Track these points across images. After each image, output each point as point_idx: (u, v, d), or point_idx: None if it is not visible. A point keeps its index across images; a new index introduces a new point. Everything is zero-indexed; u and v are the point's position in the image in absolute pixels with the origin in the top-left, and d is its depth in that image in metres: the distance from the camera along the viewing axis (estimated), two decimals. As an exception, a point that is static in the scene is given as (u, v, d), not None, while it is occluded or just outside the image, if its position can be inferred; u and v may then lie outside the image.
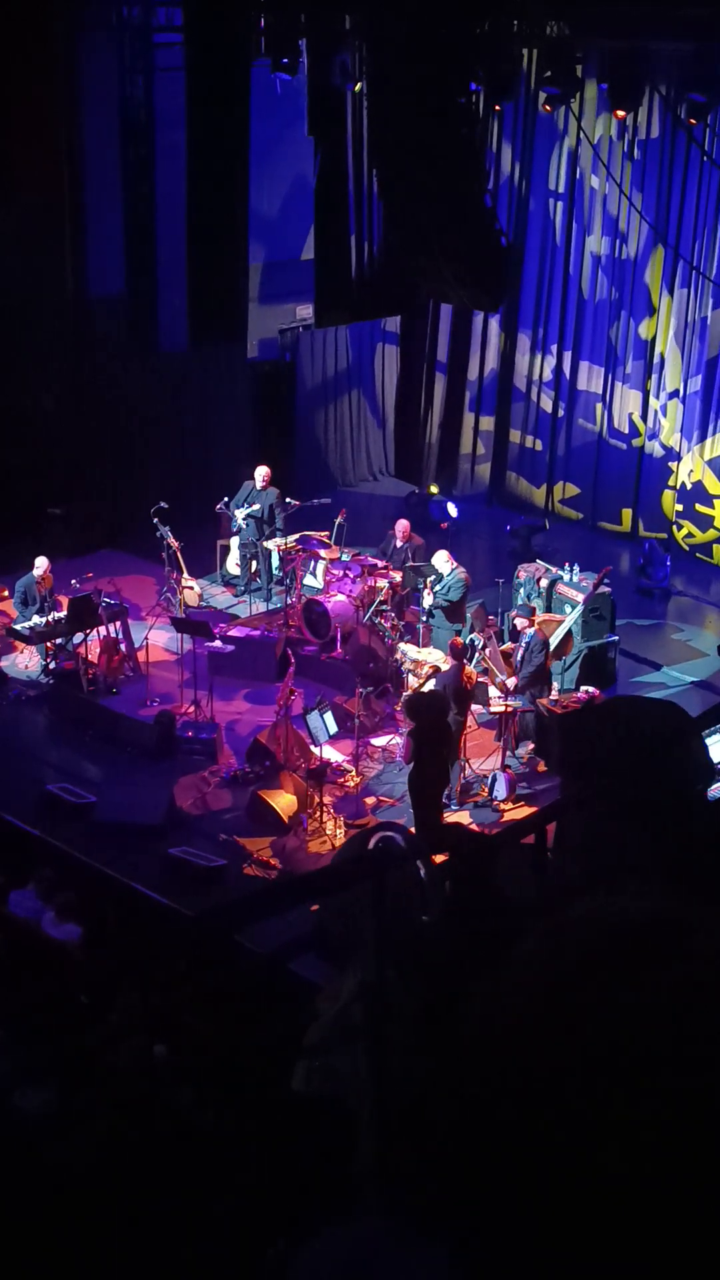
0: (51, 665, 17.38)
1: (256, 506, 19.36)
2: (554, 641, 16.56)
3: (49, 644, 17.40)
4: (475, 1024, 1.24)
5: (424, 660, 16.32)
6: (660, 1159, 1.10)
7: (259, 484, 19.50)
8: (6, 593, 18.25)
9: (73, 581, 17.64)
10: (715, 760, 11.77)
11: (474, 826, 14.13)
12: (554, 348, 22.39)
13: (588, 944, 1.22)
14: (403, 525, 18.81)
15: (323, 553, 18.61)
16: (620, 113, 19.82)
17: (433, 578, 17.32)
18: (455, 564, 17.34)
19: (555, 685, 16.51)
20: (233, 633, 17.66)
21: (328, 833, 14.41)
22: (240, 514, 19.37)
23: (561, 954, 1.23)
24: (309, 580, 18.63)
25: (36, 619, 17.34)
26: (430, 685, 15.33)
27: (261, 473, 19.53)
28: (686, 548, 21.27)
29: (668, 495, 21.51)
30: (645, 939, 1.21)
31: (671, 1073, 1.12)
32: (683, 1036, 1.13)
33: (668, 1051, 1.13)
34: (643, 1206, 1.10)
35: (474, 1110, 1.20)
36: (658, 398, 21.41)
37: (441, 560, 17.38)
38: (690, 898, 1.26)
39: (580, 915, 1.26)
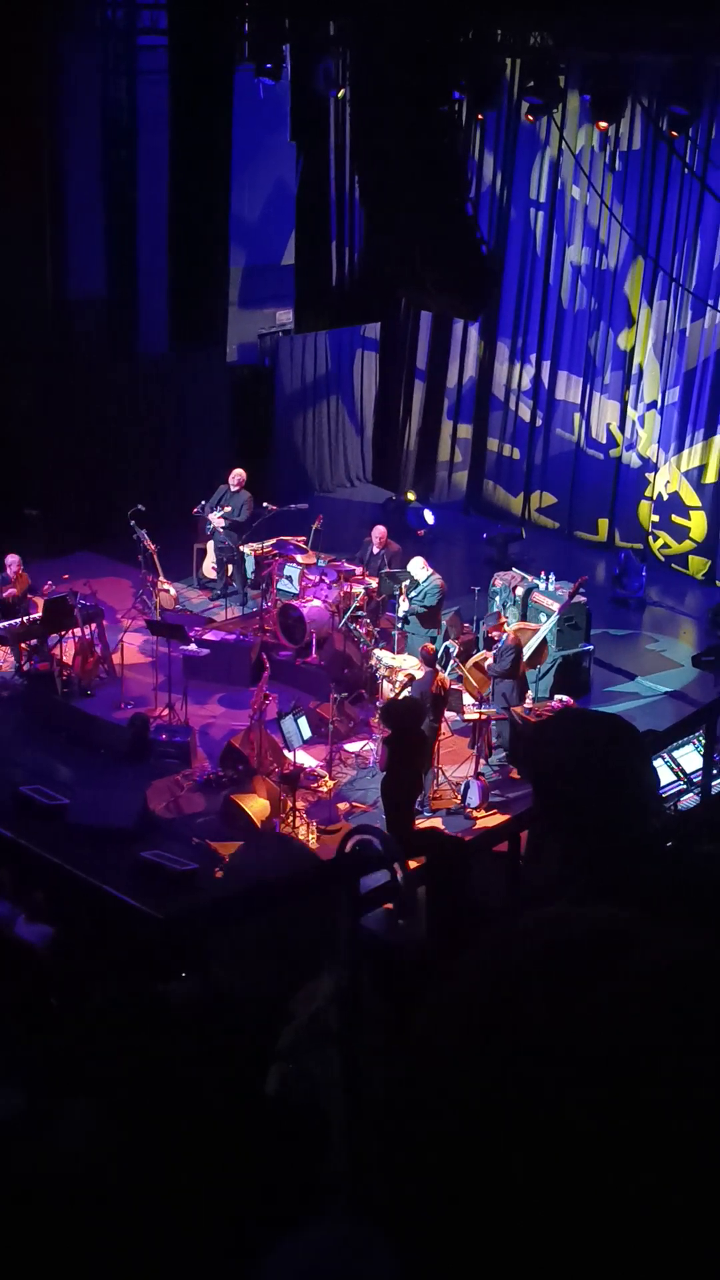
0: (26, 666, 17.34)
1: (229, 509, 19.37)
2: (529, 650, 16.59)
3: (23, 645, 17.36)
4: (418, 1032, 1.25)
5: (399, 667, 16.32)
6: (597, 1169, 1.11)
7: (233, 487, 19.50)
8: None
9: (49, 583, 17.61)
10: (690, 772, 11.81)
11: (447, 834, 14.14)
12: (533, 357, 22.43)
13: (528, 954, 1.23)
14: (379, 532, 18.83)
15: (299, 558, 18.61)
16: (602, 124, 19.88)
17: (408, 584, 17.33)
18: (431, 570, 17.36)
19: (530, 693, 16.54)
20: (208, 636, 17.65)
21: (300, 838, 14.39)
22: (214, 517, 19.37)
23: (501, 964, 1.24)
24: (285, 585, 18.62)
25: (11, 620, 17.28)
26: (407, 693, 15.34)
27: (236, 475, 19.53)
28: (662, 558, 21.33)
29: (644, 506, 21.57)
30: (586, 950, 1.22)
31: (609, 1085, 1.13)
32: (621, 1048, 1.15)
33: (606, 1064, 1.14)
34: (582, 1216, 1.11)
35: (415, 1119, 1.21)
36: (635, 409, 21.47)
37: (417, 567, 17.39)
38: (634, 911, 1.27)
39: (522, 926, 1.27)
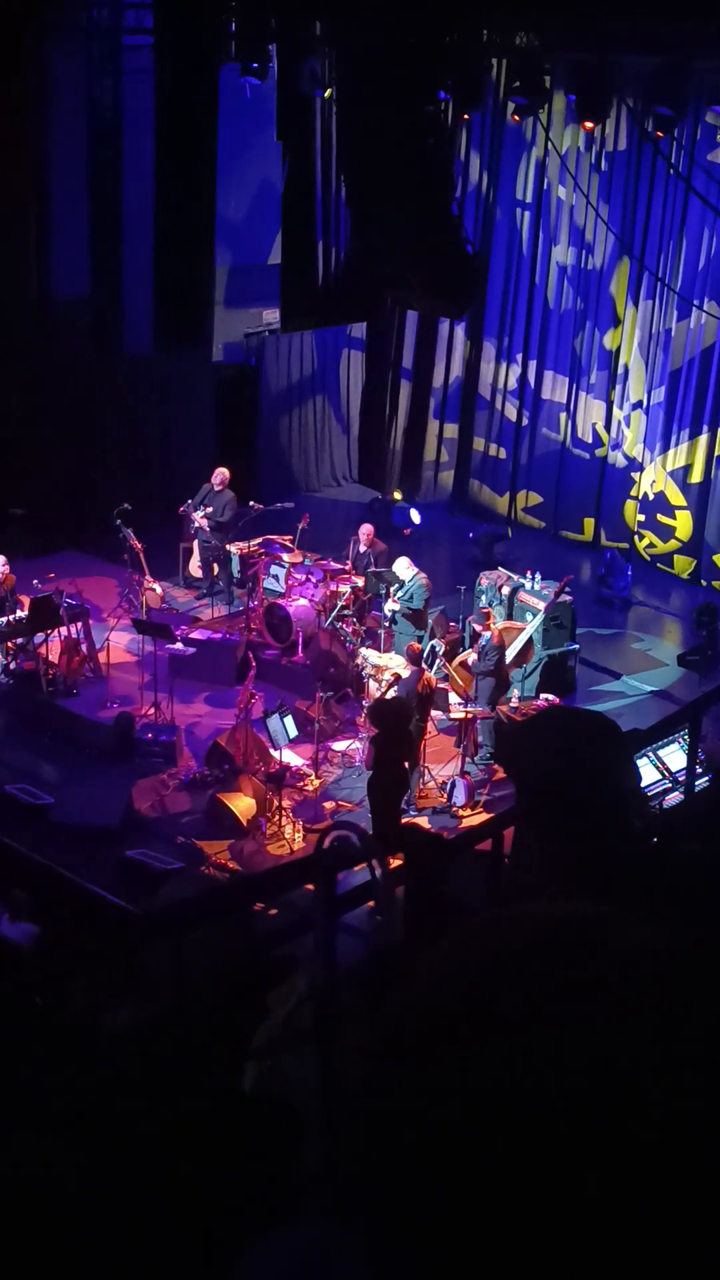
0: (11, 665, 17.32)
1: (212, 509, 19.36)
2: (515, 649, 16.60)
3: (9, 644, 17.33)
4: (388, 1026, 1.25)
5: (385, 666, 16.33)
6: (571, 1163, 1.11)
7: (216, 486, 19.49)
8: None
9: (34, 581, 17.58)
10: (674, 771, 11.84)
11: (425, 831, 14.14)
12: (519, 357, 22.45)
13: (498, 945, 1.23)
14: (366, 530, 18.82)
15: (285, 557, 18.60)
16: (588, 124, 19.90)
17: (395, 585, 17.33)
18: (416, 570, 17.36)
19: (516, 692, 16.55)
20: (194, 635, 17.64)
21: (286, 836, 14.40)
22: (198, 516, 19.36)
23: (471, 955, 1.24)
24: (270, 584, 18.61)
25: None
26: (393, 692, 15.34)
27: (219, 474, 19.52)
28: (647, 558, 21.36)
29: (630, 505, 21.59)
30: (556, 940, 1.22)
31: (582, 1078, 1.13)
32: (594, 1041, 1.14)
33: (576, 1053, 1.14)
34: (558, 1211, 1.11)
35: (385, 1114, 1.21)
36: (621, 408, 21.49)
37: (403, 566, 17.39)
38: (612, 907, 1.26)
39: (495, 919, 1.27)
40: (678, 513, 21.06)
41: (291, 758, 15.48)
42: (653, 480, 21.23)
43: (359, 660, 16.79)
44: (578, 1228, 1.09)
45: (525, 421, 22.65)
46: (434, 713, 15.90)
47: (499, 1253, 1.11)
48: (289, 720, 15.27)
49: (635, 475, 21.46)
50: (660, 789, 12.32)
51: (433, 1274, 1.14)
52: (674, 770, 12.40)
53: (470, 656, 16.33)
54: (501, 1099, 1.13)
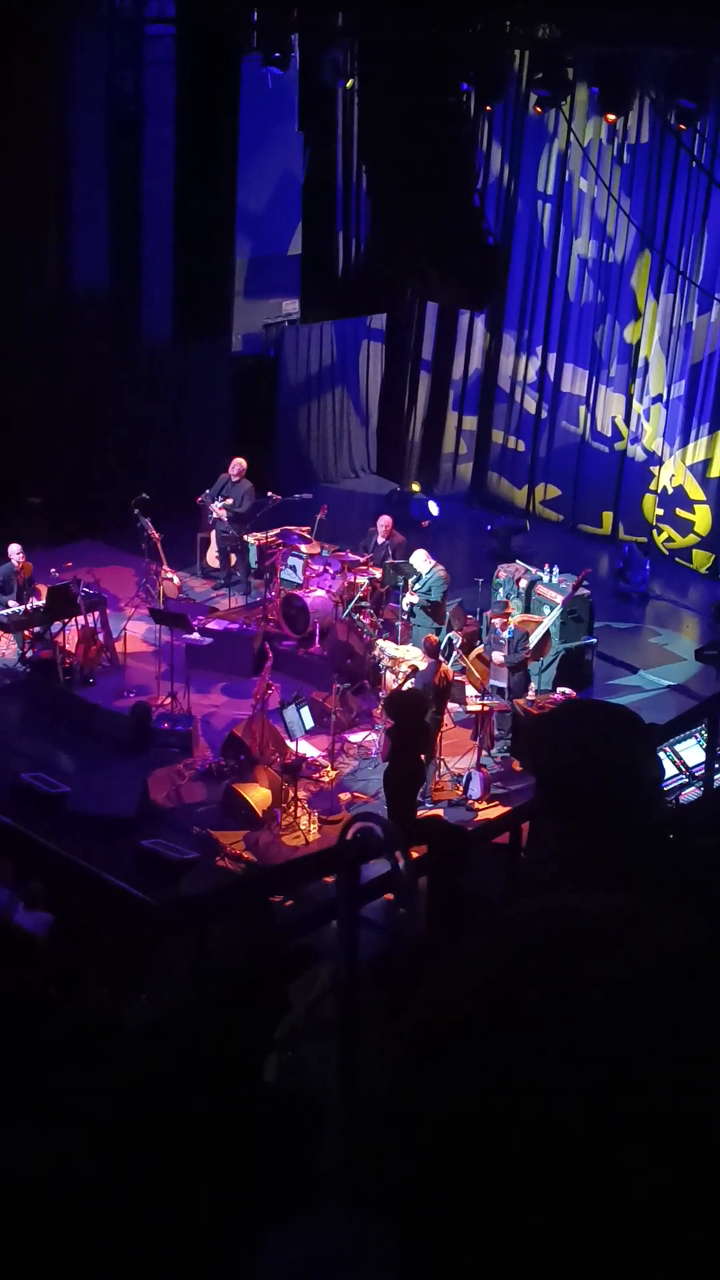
0: (28, 654, 17.35)
1: (230, 500, 19.36)
2: (532, 642, 16.59)
3: (26, 632, 17.36)
4: (416, 1017, 1.25)
5: (402, 657, 16.32)
6: (595, 1153, 1.10)
7: (233, 476, 19.48)
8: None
9: (52, 571, 17.60)
10: (692, 766, 11.81)
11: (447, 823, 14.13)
12: (539, 349, 22.41)
13: (531, 935, 1.22)
14: (385, 522, 18.80)
15: (303, 548, 18.60)
16: (610, 116, 19.86)
17: (413, 577, 17.32)
18: (433, 563, 17.35)
19: (532, 685, 16.54)
20: (211, 625, 17.65)
21: (301, 827, 14.41)
22: (215, 506, 19.37)
23: (504, 945, 1.23)
24: (288, 575, 18.60)
25: (14, 606, 17.30)
26: (410, 684, 15.33)
27: (237, 464, 19.51)
28: (666, 552, 21.32)
29: (648, 499, 21.56)
30: (588, 930, 1.22)
31: (607, 1069, 1.12)
32: (625, 1027, 1.14)
33: (609, 1042, 1.13)
34: (586, 1200, 1.10)
35: (412, 1105, 1.20)
36: (641, 402, 21.45)
37: (420, 559, 17.38)
38: (633, 900, 1.26)
39: (521, 912, 1.26)
40: (697, 507, 21.02)
41: (308, 749, 15.49)
42: (672, 474, 21.19)
43: (376, 652, 16.78)
44: (598, 1221, 1.09)
45: (544, 414, 22.61)
46: (450, 705, 15.89)
47: (518, 1245, 1.11)
48: (305, 711, 15.28)
49: (654, 469, 21.42)
50: (677, 784, 12.29)
51: (453, 1266, 1.14)
52: (691, 765, 12.37)
53: (495, 656, 16.27)
54: (522, 1094, 1.13)
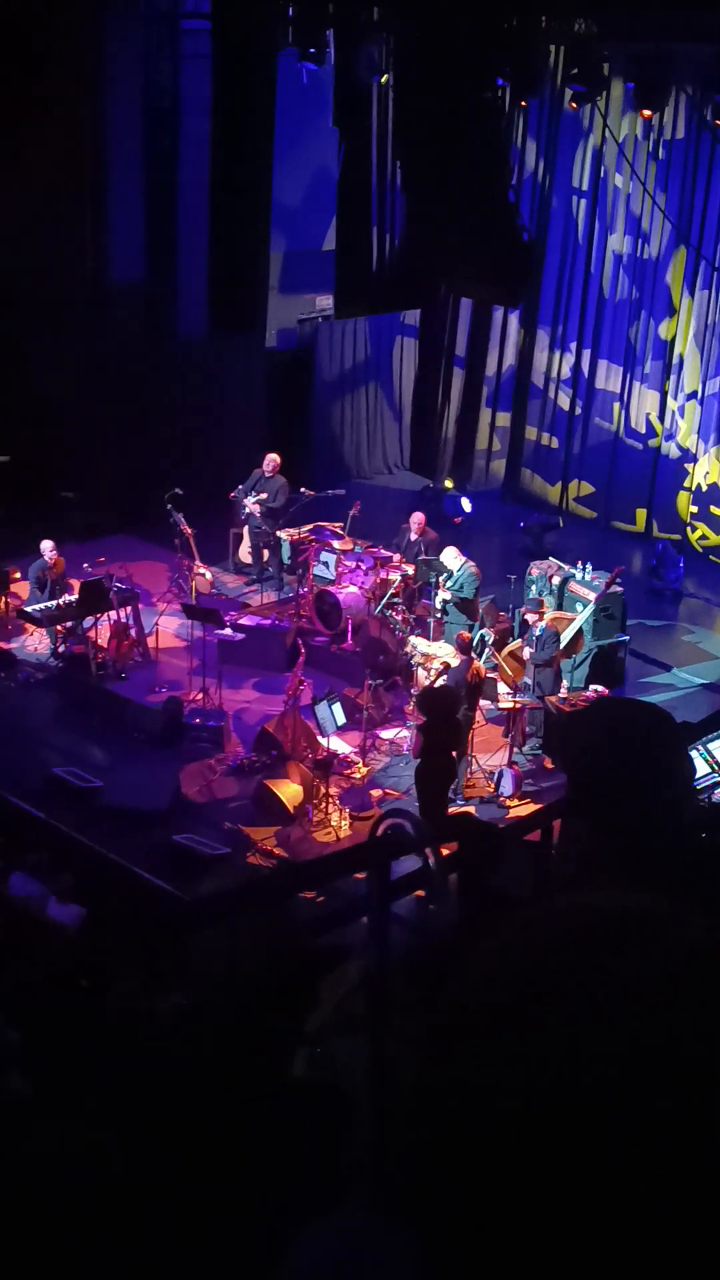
0: (61, 649, 17.41)
1: (264, 495, 19.37)
2: (565, 639, 16.56)
3: (59, 627, 17.42)
4: (445, 1013, 1.24)
5: (434, 654, 16.31)
6: (627, 1151, 1.10)
7: (267, 471, 19.49)
8: (19, 575, 18.26)
9: (84, 565, 17.65)
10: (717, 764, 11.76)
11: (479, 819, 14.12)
12: (573, 346, 22.37)
13: (560, 933, 1.22)
14: (418, 519, 18.77)
15: (335, 543, 18.60)
16: (646, 112, 19.82)
17: (444, 575, 17.29)
18: (464, 559, 17.32)
19: (565, 683, 16.51)
20: (243, 621, 17.66)
21: (332, 824, 14.41)
22: (249, 502, 19.39)
23: (532, 943, 1.23)
24: (321, 571, 18.61)
25: (48, 602, 17.36)
26: (442, 680, 15.32)
27: (270, 460, 19.52)
28: (700, 549, 21.26)
29: (683, 496, 21.50)
30: (616, 930, 1.21)
31: (641, 1067, 1.12)
32: (653, 1031, 1.13)
33: (635, 1042, 1.13)
34: (607, 1200, 1.10)
35: (441, 1101, 1.20)
36: (675, 399, 21.39)
37: (450, 556, 17.36)
38: (667, 899, 1.25)
39: (553, 908, 1.26)
40: (731, 504, 20.97)
41: (339, 745, 15.49)
42: (706, 472, 21.13)
43: (408, 648, 16.77)
44: (631, 1220, 1.08)
45: (578, 411, 22.57)
46: (482, 702, 15.87)
47: (547, 1243, 1.10)
48: (337, 707, 15.28)
49: (688, 466, 21.36)
50: (709, 782, 12.25)
51: (481, 1264, 1.14)
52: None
53: (525, 651, 16.26)
54: (555, 1091, 1.12)
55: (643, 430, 21.87)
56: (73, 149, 20.35)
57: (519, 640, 16.68)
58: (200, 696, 16.45)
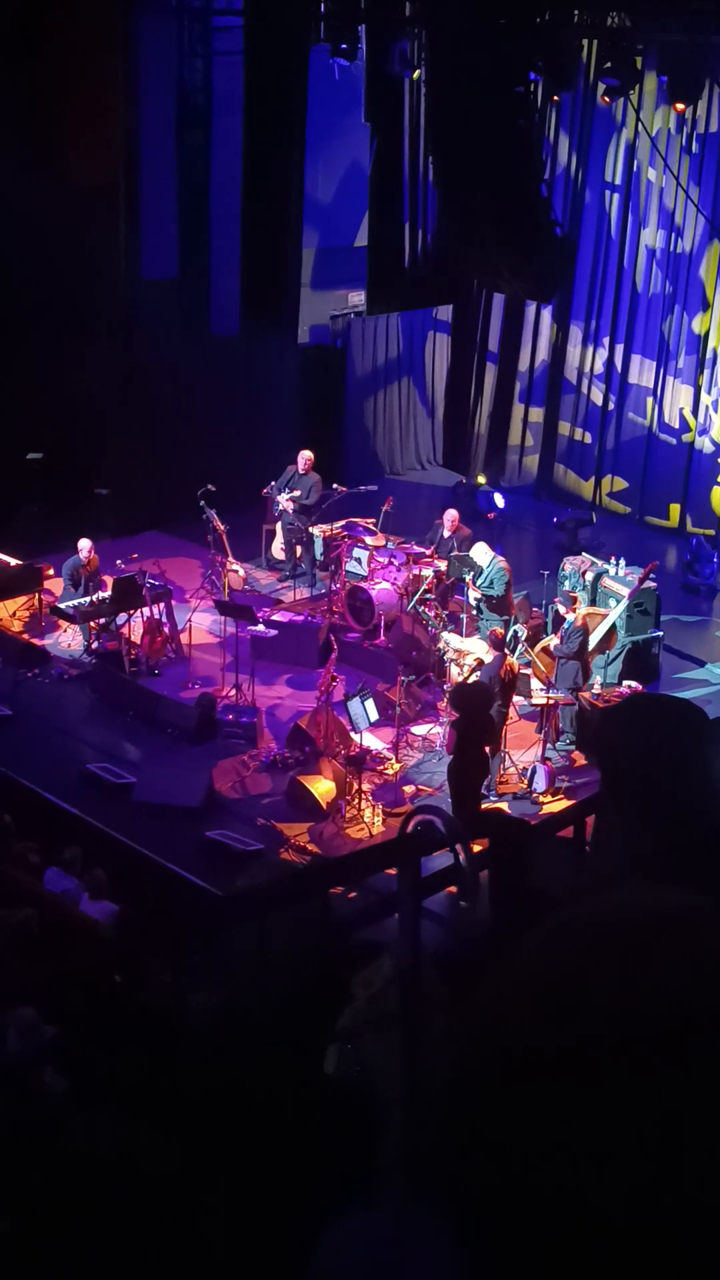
0: (94, 645, 17.45)
1: (298, 492, 19.38)
2: (598, 635, 16.52)
3: (93, 624, 17.47)
4: (481, 1011, 1.24)
5: (466, 650, 16.28)
6: (663, 1148, 1.09)
7: (301, 468, 19.49)
8: (52, 571, 18.31)
9: (118, 562, 17.69)
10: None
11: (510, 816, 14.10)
12: (606, 340, 22.31)
13: (596, 933, 1.21)
14: (451, 516, 18.72)
15: (368, 540, 18.59)
16: (680, 106, 19.74)
17: (474, 572, 17.23)
18: (494, 554, 17.23)
19: (598, 679, 16.47)
20: (276, 617, 17.67)
21: (365, 820, 14.41)
22: (282, 499, 19.40)
23: (566, 941, 1.22)
24: (353, 567, 18.61)
25: (81, 599, 17.41)
26: (475, 677, 15.31)
27: (304, 457, 19.51)
28: (734, 545, 21.17)
29: (717, 491, 21.41)
30: (655, 931, 1.20)
31: (679, 1065, 1.11)
32: (689, 1029, 1.12)
33: (673, 1044, 1.12)
34: (643, 1194, 1.09)
35: (476, 1098, 1.19)
36: (709, 393, 21.30)
37: (480, 552, 17.28)
38: (703, 897, 1.25)
39: (589, 906, 1.25)
40: (765, 500, 20.88)
41: (372, 741, 15.49)
42: (740, 467, 21.04)
43: (441, 644, 16.75)
44: (669, 1217, 1.08)
45: (611, 406, 22.50)
46: (516, 698, 15.85)
47: (586, 1240, 1.10)
48: (370, 703, 15.27)
49: (722, 461, 21.28)
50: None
51: (513, 1262, 1.13)
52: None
53: (553, 641, 16.25)
54: (591, 1093, 1.12)
55: (676, 425, 21.78)
56: (105, 147, 20.38)
57: (553, 635, 16.64)
58: (233, 693, 16.47)
